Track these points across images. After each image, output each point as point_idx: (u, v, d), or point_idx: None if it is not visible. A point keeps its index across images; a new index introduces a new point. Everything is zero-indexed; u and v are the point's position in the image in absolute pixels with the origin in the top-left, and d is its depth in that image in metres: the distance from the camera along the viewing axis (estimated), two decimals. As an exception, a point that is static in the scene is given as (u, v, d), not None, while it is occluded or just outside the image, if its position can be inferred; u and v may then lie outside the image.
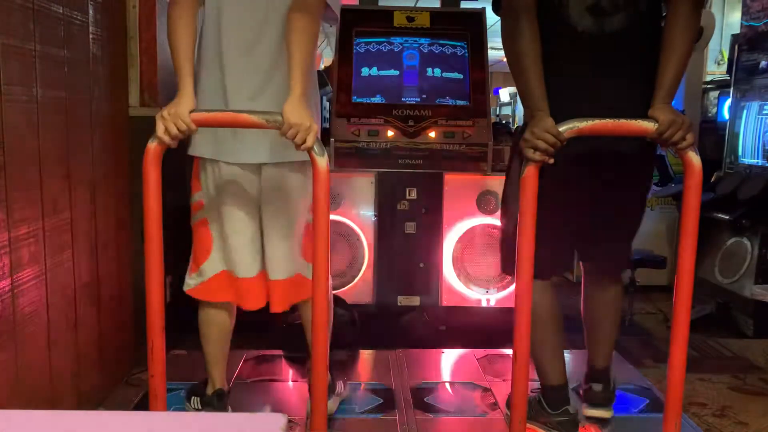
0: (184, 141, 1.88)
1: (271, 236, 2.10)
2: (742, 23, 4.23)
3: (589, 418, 2.21)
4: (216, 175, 2.05)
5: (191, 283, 2.16)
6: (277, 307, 2.15)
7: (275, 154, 2.01)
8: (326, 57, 4.43)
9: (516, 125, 9.30)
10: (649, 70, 1.97)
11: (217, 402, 2.19)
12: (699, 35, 4.85)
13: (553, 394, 2.13)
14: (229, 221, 2.07)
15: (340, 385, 2.42)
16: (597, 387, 2.21)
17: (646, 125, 1.78)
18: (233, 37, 1.97)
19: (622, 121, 1.81)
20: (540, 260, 1.78)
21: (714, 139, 4.58)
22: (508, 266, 2.13)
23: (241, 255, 2.09)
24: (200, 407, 2.21)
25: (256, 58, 1.98)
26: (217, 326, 2.19)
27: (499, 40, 1.98)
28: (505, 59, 1.96)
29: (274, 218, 2.09)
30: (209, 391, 2.21)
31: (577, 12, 1.90)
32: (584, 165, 1.93)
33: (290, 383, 2.74)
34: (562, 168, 1.81)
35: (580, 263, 2.29)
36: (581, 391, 2.32)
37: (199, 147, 2.04)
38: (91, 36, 2.40)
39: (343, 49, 3.35)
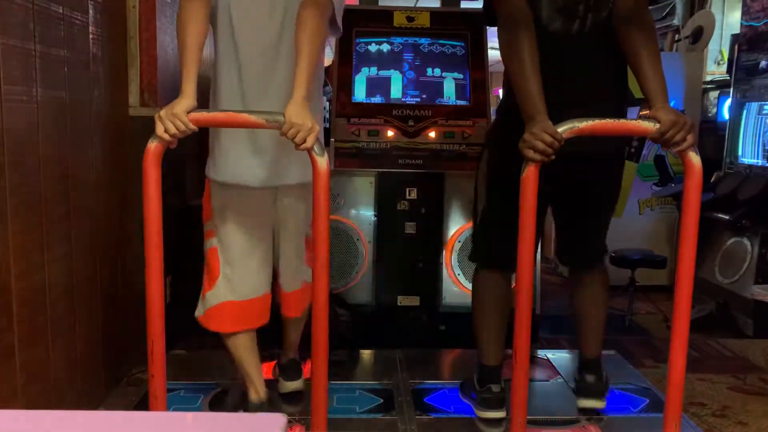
0: (185, 141, 1.87)
1: (287, 253, 2.18)
2: (742, 23, 4.23)
3: (583, 409, 2.29)
4: (231, 198, 2.06)
5: (202, 310, 2.17)
6: (292, 313, 2.28)
7: (296, 175, 2.03)
8: (326, 57, 4.41)
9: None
10: (619, 70, 2.03)
11: (268, 405, 2.20)
12: (698, 35, 4.85)
13: (485, 372, 2.27)
14: (241, 244, 2.09)
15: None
16: (590, 378, 2.29)
17: (647, 125, 1.77)
18: (250, 41, 1.98)
19: (623, 121, 1.82)
20: (507, 254, 1.84)
21: (714, 139, 4.58)
22: (472, 255, 2.35)
23: (252, 277, 2.12)
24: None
25: (275, 63, 1.99)
26: (247, 342, 2.18)
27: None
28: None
29: (290, 236, 2.16)
30: (254, 398, 2.19)
31: (549, 14, 1.97)
32: (557, 166, 1.92)
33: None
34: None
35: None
36: (575, 384, 2.38)
37: (218, 171, 2.04)
38: (91, 36, 2.40)
39: (343, 49, 3.34)
